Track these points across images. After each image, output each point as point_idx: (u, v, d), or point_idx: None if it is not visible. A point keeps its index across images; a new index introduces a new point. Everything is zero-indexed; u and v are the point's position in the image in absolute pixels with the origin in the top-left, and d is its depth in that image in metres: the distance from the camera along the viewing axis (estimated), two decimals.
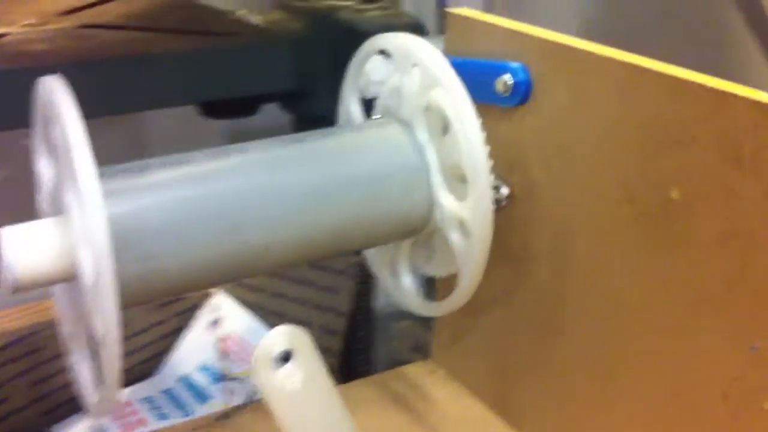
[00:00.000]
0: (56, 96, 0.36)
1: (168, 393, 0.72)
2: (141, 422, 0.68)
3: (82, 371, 0.40)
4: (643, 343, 0.43)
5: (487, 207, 0.42)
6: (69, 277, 0.37)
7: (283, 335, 0.39)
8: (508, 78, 0.46)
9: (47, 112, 0.38)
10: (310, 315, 0.73)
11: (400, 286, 0.49)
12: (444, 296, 0.47)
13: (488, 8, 0.55)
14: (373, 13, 0.68)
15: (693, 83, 0.38)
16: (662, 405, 0.43)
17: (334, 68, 0.69)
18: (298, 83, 0.70)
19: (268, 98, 0.73)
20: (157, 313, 0.72)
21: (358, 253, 0.54)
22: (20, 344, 0.64)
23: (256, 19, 0.74)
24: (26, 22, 0.68)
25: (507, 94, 0.46)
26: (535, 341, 0.50)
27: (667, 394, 0.42)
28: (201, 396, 0.72)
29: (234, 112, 0.74)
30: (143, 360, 0.72)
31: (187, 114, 0.75)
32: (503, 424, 0.54)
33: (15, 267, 0.35)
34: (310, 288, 0.72)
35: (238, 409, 0.61)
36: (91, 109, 0.36)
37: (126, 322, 0.35)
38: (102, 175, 0.35)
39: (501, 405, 0.54)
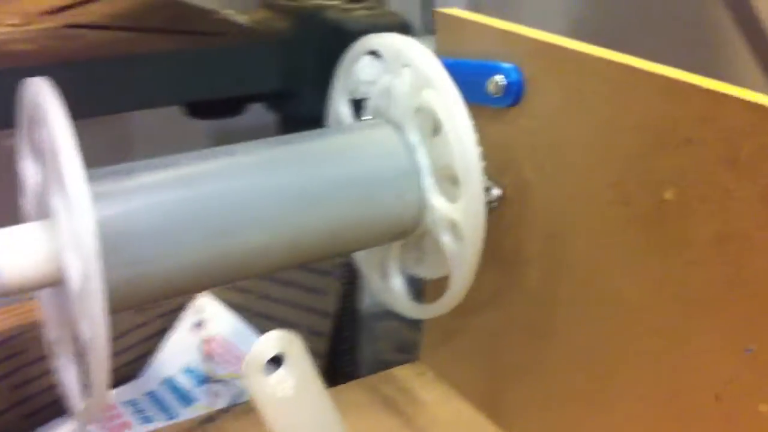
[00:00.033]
0: (43, 98, 0.35)
1: (152, 395, 0.72)
2: (125, 425, 0.67)
3: (67, 377, 0.40)
4: (637, 345, 0.43)
5: (480, 209, 0.42)
6: (55, 282, 0.36)
7: (275, 340, 0.38)
8: (500, 79, 0.46)
9: (34, 114, 0.37)
10: (295, 316, 0.72)
11: (389, 288, 0.49)
12: (432, 298, 0.47)
13: (474, 7, 0.54)
14: (359, 12, 0.68)
15: (688, 84, 0.38)
16: (655, 407, 0.43)
17: (321, 68, 0.68)
18: (285, 83, 0.70)
19: (254, 98, 0.73)
20: (140, 314, 0.72)
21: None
22: (2, 346, 0.64)
23: (241, 18, 0.74)
24: (9, 22, 0.68)
25: (499, 95, 0.46)
26: (527, 343, 0.50)
27: (660, 396, 0.42)
28: (185, 398, 0.71)
29: (220, 113, 0.73)
30: (126, 362, 0.72)
31: (172, 114, 0.74)
32: (493, 426, 0.54)
33: (0, 272, 0.35)
34: (296, 289, 0.72)
35: (223, 412, 0.61)
36: (76, 111, 0.36)
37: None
38: (89, 178, 0.34)
39: (491, 407, 0.54)
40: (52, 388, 0.65)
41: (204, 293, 0.74)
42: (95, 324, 0.34)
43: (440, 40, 0.51)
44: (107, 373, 0.35)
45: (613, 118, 0.42)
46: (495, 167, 0.46)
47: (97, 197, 0.36)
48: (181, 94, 0.69)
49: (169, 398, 0.71)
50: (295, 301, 0.72)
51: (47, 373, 0.61)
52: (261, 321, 0.73)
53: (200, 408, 0.70)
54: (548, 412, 0.50)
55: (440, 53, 0.43)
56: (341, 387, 0.56)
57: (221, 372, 0.72)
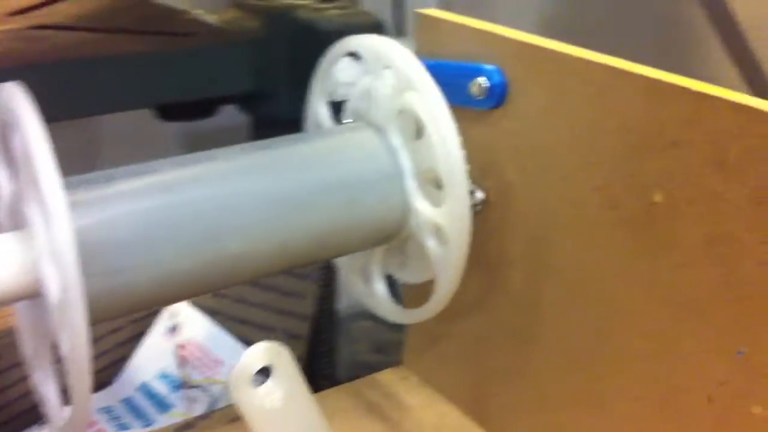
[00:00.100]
0: (16, 103, 0.34)
1: (128, 402, 0.71)
2: None
3: (47, 391, 0.39)
4: (627, 348, 0.43)
5: (465, 212, 0.41)
6: (33, 294, 0.35)
7: (263, 351, 0.38)
8: (483, 81, 0.45)
9: (6, 119, 0.36)
10: (272, 320, 0.72)
11: (373, 293, 0.48)
12: (412, 302, 0.47)
13: (446, 6, 0.54)
14: (331, 11, 0.68)
15: (676, 86, 0.38)
16: (646, 410, 0.43)
17: (294, 68, 0.68)
18: (257, 84, 0.69)
19: (226, 100, 0.72)
20: (114, 319, 0.71)
21: None
22: None
23: (211, 18, 0.73)
24: None
25: (482, 97, 0.46)
26: (513, 347, 0.50)
27: (651, 399, 0.42)
28: (162, 405, 0.70)
29: (191, 115, 0.72)
30: (100, 368, 0.71)
31: (142, 116, 0.73)
32: (480, 429, 0.53)
33: None
34: (273, 293, 0.71)
35: (202, 418, 0.60)
36: (42, 115, 0.35)
37: None
38: (66, 186, 0.34)
39: (477, 411, 0.54)
40: (27, 395, 0.64)
41: None
42: (76, 336, 0.33)
43: (419, 41, 0.50)
44: (89, 387, 0.34)
45: (598, 121, 0.42)
46: (478, 170, 0.46)
47: (75, 206, 0.35)
48: (150, 96, 0.68)
49: (145, 405, 0.71)
50: (271, 304, 0.72)
51: (22, 380, 0.60)
52: (237, 325, 0.73)
53: (177, 414, 0.69)
54: (536, 416, 0.49)
55: (419, 54, 0.43)
56: (324, 393, 0.55)
57: (197, 377, 0.71)
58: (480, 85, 0.45)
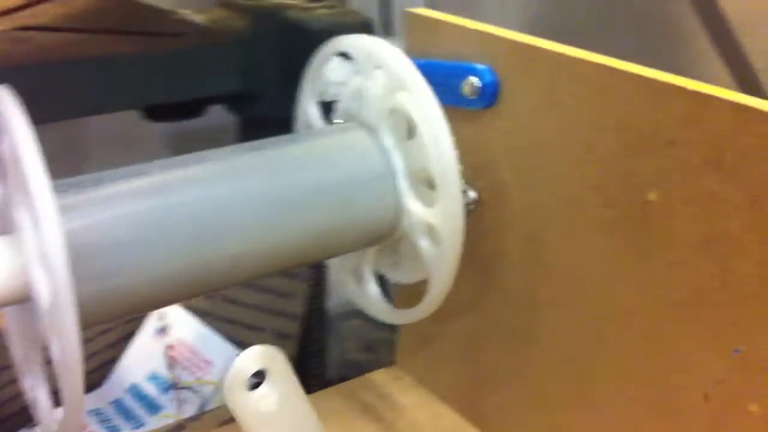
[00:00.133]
0: (4, 106, 0.34)
1: (117, 404, 0.71)
2: None
3: (38, 396, 0.38)
4: (623, 347, 0.43)
5: (458, 212, 0.41)
6: (22, 299, 0.35)
7: (257, 355, 0.37)
8: (475, 80, 0.45)
9: None
10: (262, 320, 0.72)
11: (365, 293, 0.48)
12: (405, 302, 0.47)
13: (431, 5, 0.54)
14: (320, 11, 0.68)
15: (673, 86, 0.37)
16: (643, 408, 0.43)
17: (282, 68, 0.68)
18: (244, 84, 0.69)
19: (214, 100, 0.72)
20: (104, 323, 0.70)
21: None
22: None
23: (198, 18, 0.72)
24: None
25: (474, 97, 0.45)
26: (508, 347, 0.50)
27: (648, 397, 0.42)
28: (152, 406, 0.70)
29: (178, 115, 0.72)
30: (89, 370, 0.71)
31: (128, 116, 0.73)
32: (474, 429, 0.53)
33: None
34: (262, 293, 0.71)
35: (192, 420, 0.60)
36: (28, 117, 0.34)
37: None
38: (55, 189, 0.33)
39: (471, 411, 0.54)
40: (16, 398, 0.63)
41: None
42: (68, 341, 0.33)
43: (409, 41, 0.50)
44: (82, 393, 0.34)
45: (592, 120, 0.41)
46: (471, 170, 0.46)
47: (64, 209, 0.35)
48: (137, 97, 0.68)
49: (135, 406, 0.71)
50: (261, 304, 0.71)
51: (11, 382, 0.60)
52: (226, 325, 0.73)
53: (167, 416, 0.69)
54: (532, 416, 0.49)
55: (409, 54, 0.42)
56: (318, 394, 0.55)
57: (187, 378, 0.71)
58: (472, 84, 0.45)
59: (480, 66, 0.45)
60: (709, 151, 0.37)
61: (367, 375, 0.58)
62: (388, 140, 0.44)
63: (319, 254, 0.45)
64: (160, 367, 0.72)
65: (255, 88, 0.69)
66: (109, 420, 0.69)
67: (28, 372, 0.40)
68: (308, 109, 0.48)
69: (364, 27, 0.66)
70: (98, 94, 0.64)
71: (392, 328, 0.58)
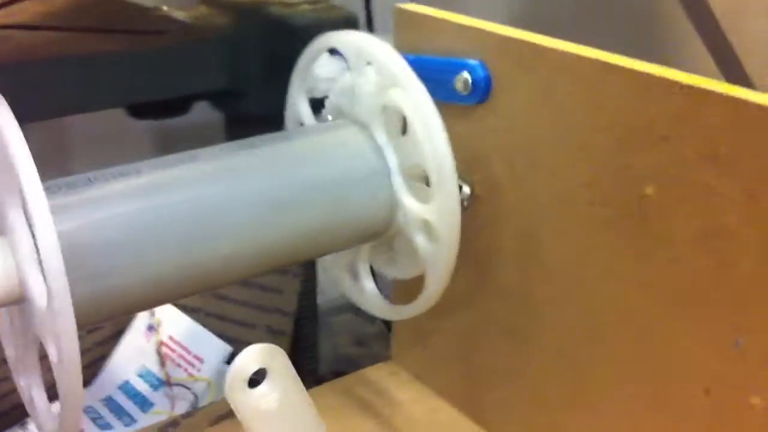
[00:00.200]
0: None
1: (109, 401, 0.71)
2: None
3: (35, 397, 0.39)
4: (619, 343, 0.43)
5: (455, 208, 0.41)
6: (17, 300, 0.35)
7: (258, 354, 0.37)
8: (467, 76, 0.45)
9: None
10: (254, 316, 0.72)
11: (361, 289, 0.48)
12: (401, 298, 0.47)
13: (417, 0, 0.54)
14: (303, 6, 0.67)
15: (668, 80, 0.37)
16: (643, 404, 0.42)
17: (267, 64, 0.68)
18: (229, 81, 0.69)
19: (199, 97, 0.72)
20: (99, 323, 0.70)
21: None
22: None
23: (180, 15, 0.72)
24: None
25: (466, 93, 0.45)
26: (504, 343, 0.49)
27: (648, 392, 0.42)
28: (144, 403, 0.70)
29: (163, 113, 0.72)
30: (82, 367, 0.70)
31: (113, 114, 0.72)
32: (472, 423, 0.53)
33: None
34: (254, 289, 0.71)
35: (185, 417, 0.60)
36: None
37: None
38: (47, 190, 0.33)
39: (469, 406, 0.53)
40: (8, 395, 0.63)
41: None
42: (65, 343, 0.33)
43: (398, 37, 0.49)
44: (80, 393, 0.34)
45: (586, 115, 0.41)
46: (465, 166, 0.45)
47: (56, 210, 0.35)
48: (121, 96, 0.67)
49: (127, 403, 0.71)
50: (253, 300, 0.71)
51: (4, 379, 0.60)
52: (217, 322, 0.73)
53: (159, 413, 0.69)
54: (530, 412, 0.49)
55: (399, 50, 0.42)
56: (314, 390, 0.55)
57: (178, 375, 0.71)
58: (465, 80, 0.45)
59: (471, 61, 0.45)
60: (704, 145, 0.36)
61: (363, 370, 0.58)
62: (381, 137, 0.44)
63: (313, 252, 0.45)
64: (151, 363, 0.72)
65: (239, 85, 0.68)
66: (101, 417, 0.69)
67: (23, 371, 0.40)
68: (299, 106, 0.48)
69: (349, 23, 0.66)
70: (81, 92, 0.64)
71: (384, 322, 0.58)
